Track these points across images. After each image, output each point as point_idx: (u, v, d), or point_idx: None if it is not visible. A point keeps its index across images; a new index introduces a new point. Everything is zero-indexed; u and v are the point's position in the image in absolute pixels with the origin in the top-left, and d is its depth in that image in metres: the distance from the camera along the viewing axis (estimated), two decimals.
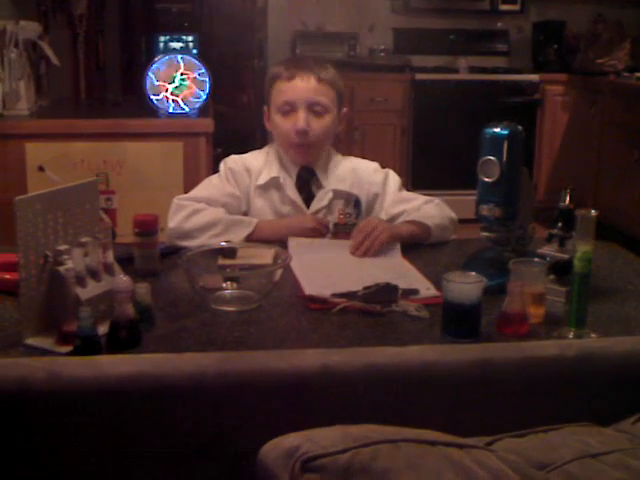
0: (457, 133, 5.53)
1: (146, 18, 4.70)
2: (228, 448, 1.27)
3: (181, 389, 1.26)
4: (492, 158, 1.80)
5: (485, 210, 1.84)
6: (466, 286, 1.56)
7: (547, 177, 5.81)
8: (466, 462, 1.05)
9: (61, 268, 1.55)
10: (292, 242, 2.11)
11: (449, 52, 6.14)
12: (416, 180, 5.63)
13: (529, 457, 1.12)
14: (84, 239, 1.62)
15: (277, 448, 1.06)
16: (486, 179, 1.81)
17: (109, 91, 4.25)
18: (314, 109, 2.27)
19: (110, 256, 1.67)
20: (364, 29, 6.16)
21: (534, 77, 5.75)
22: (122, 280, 1.55)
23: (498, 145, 1.80)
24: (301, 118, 2.25)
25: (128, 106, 3.94)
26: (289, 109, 2.27)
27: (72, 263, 1.57)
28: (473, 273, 1.60)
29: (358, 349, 1.34)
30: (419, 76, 5.71)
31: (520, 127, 1.85)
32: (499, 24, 6.26)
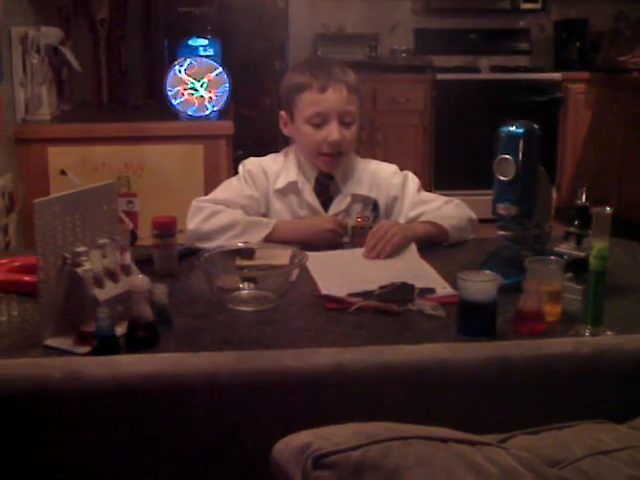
0: (479, 133, 5.50)
1: (168, 22, 4.73)
2: (243, 446, 1.28)
3: (197, 388, 1.27)
4: (508, 157, 1.79)
5: (501, 209, 1.84)
6: (481, 284, 1.56)
7: (570, 175, 5.79)
8: (477, 459, 1.06)
9: (79, 269, 1.57)
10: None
11: (470, 52, 6.13)
12: (438, 180, 5.63)
13: (541, 454, 1.12)
14: (102, 241, 1.64)
15: (289, 446, 1.07)
16: (502, 178, 1.81)
17: (131, 95, 4.28)
18: (344, 120, 2.27)
19: (128, 257, 1.69)
20: (385, 30, 6.16)
21: (556, 76, 5.73)
22: (139, 280, 1.56)
23: (514, 144, 1.79)
24: (335, 130, 2.25)
25: (149, 109, 3.96)
26: (320, 121, 2.27)
27: (90, 264, 1.59)
28: (488, 271, 1.61)
29: (372, 347, 1.35)
30: (440, 76, 5.70)
31: (536, 125, 1.84)
32: (520, 23, 6.24)
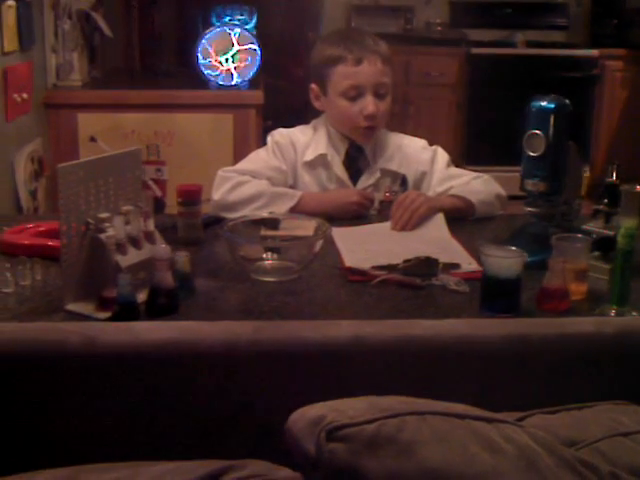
0: (512, 108, 5.41)
1: None
2: (259, 415, 1.27)
3: (214, 356, 1.27)
4: (538, 132, 1.77)
5: (530, 185, 1.81)
6: (505, 260, 1.54)
7: (605, 153, 5.70)
8: (493, 436, 1.04)
9: (102, 235, 1.57)
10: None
11: (506, 26, 6.03)
12: (469, 155, 5.58)
13: (559, 434, 1.11)
14: (126, 207, 1.64)
15: (304, 417, 1.06)
16: (532, 153, 1.79)
17: (163, 62, 4.27)
18: (379, 91, 2.25)
19: (151, 224, 1.69)
20: (420, 2, 6.09)
21: (593, 52, 5.63)
22: (161, 248, 1.56)
23: (544, 119, 1.76)
24: (371, 103, 2.23)
25: (180, 77, 3.95)
26: (356, 94, 2.25)
27: (113, 231, 1.59)
28: (513, 247, 1.58)
29: (391, 321, 1.34)
30: (475, 50, 5.63)
31: (567, 101, 1.81)
32: None
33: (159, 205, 3.22)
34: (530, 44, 5.82)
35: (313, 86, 2.33)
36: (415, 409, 1.06)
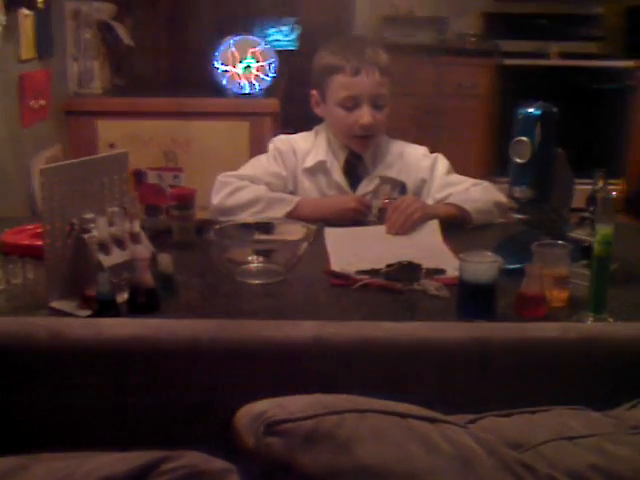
0: None
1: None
2: (222, 409, 1.28)
3: (176, 353, 1.29)
4: (524, 139, 1.76)
5: (517, 192, 1.81)
6: (480, 266, 1.54)
7: None
8: (433, 436, 1.05)
9: (85, 235, 1.61)
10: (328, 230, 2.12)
11: (539, 37, 5.99)
12: (500, 167, 5.53)
13: (506, 436, 1.11)
14: (111, 209, 1.67)
15: (248, 413, 1.08)
16: (518, 160, 1.78)
17: (188, 71, 4.32)
18: (376, 103, 2.27)
19: (136, 226, 1.72)
20: (454, 13, 6.08)
21: (628, 63, 5.57)
22: (140, 248, 1.60)
23: (530, 125, 1.76)
24: (367, 113, 2.25)
25: (199, 86, 3.99)
26: (352, 104, 2.26)
27: (97, 231, 1.62)
28: (489, 253, 1.58)
29: (353, 322, 1.34)
30: (507, 61, 5.60)
31: (555, 108, 1.80)
32: (591, 8, 6.08)
33: None
34: (563, 55, 5.77)
35: (314, 92, 2.35)
36: (357, 407, 1.07)
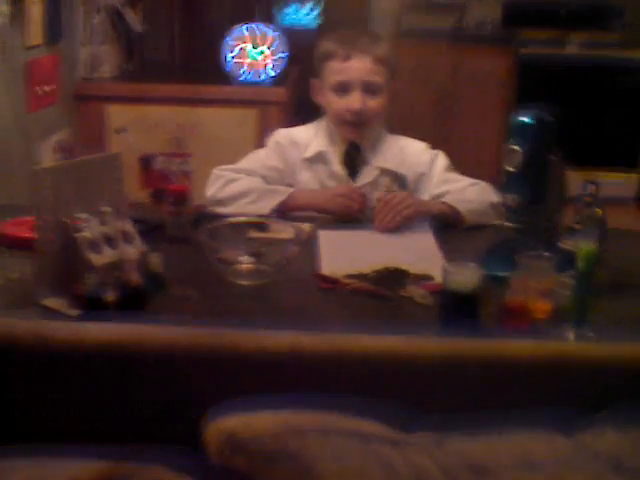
0: (562, 110, 5.36)
1: None
2: (197, 408, 1.31)
3: (153, 358, 1.31)
4: (515, 147, 1.76)
5: (508, 199, 1.81)
6: (462, 276, 1.55)
7: None
8: (394, 459, 1.07)
9: (75, 234, 1.63)
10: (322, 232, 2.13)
11: (559, 27, 5.93)
12: None
13: (469, 459, 1.13)
14: (104, 208, 1.69)
15: (218, 430, 1.11)
16: (509, 168, 1.78)
17: (200, 57, 4.32)
18: (368, 89, 2.27)
19: (129, 225, 1.74)
20: (473, 1, 6.03)
21: None
22: (128, 248, 1.62)
23: (523, 134, 1.76)
24: (356, 99, 2.25)
25: (208, 72, 3.98)
26: (344, 89, 2.27)
27: (88, 230, 1.64)
28: (472, 263, 1.59)
29: (328, 334, 1.36)
30: (525, 50, 5.55)
31: (551, 117, 1.80)
32: None
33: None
34: (583, 46, 5.71)
35: (313, 81, 2.36)
36: (322, 426, 1.09)
